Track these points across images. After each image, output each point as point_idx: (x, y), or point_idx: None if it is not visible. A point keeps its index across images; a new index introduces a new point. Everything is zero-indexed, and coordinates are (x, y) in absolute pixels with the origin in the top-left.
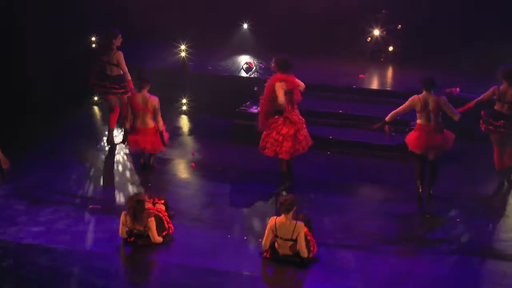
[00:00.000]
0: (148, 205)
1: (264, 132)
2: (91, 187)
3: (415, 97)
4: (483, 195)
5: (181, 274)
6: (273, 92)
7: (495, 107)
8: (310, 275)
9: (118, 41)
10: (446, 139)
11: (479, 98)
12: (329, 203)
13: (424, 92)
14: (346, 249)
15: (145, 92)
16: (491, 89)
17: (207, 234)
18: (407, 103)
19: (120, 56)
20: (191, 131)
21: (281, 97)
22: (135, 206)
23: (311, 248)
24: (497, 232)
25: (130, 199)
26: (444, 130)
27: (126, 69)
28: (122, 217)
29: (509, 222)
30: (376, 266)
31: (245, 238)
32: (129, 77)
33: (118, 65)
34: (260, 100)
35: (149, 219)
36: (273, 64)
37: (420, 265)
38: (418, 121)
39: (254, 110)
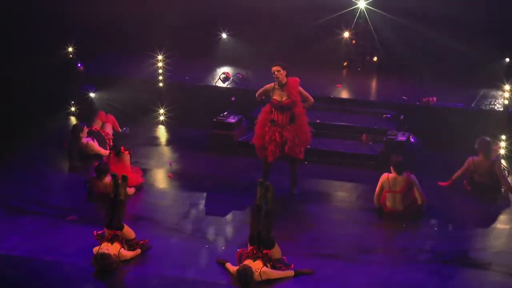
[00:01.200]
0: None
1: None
2: (69, 198)
3: (384, 175)
4: (459, 205)
5: (158, 285)
6: (299, 95)
7: (475, 178)
8: (286, 285)
9: (84, 133)
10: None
11: (458, 173)
12: (306, 213)
13: (394, 174)
14: (323, 258)
15: (106, 180)
16: (467, 162)
17: (185, 244)
18: (379, 184)
19: (93, 146)
20: (169, 141)
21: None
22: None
23: (286, 263)
24: (474, 240)
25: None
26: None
27: (102, 152)
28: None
29: (486, 231)
30: (353, 275)
31: (223, 248)
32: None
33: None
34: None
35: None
36: (282, 71)
37: (397, 274)
38: (387, 202)
39: (232, 120)
